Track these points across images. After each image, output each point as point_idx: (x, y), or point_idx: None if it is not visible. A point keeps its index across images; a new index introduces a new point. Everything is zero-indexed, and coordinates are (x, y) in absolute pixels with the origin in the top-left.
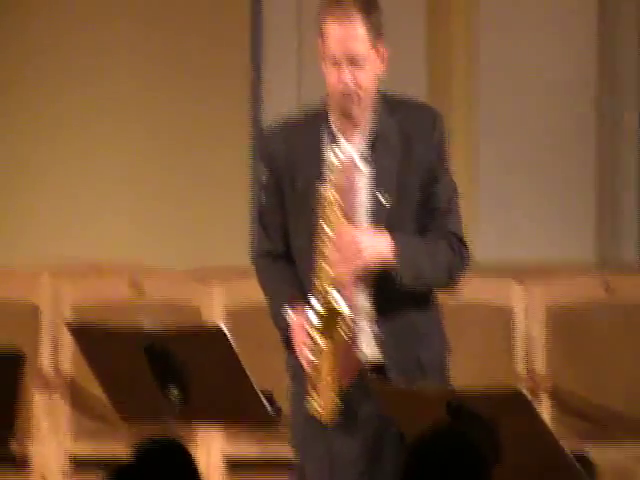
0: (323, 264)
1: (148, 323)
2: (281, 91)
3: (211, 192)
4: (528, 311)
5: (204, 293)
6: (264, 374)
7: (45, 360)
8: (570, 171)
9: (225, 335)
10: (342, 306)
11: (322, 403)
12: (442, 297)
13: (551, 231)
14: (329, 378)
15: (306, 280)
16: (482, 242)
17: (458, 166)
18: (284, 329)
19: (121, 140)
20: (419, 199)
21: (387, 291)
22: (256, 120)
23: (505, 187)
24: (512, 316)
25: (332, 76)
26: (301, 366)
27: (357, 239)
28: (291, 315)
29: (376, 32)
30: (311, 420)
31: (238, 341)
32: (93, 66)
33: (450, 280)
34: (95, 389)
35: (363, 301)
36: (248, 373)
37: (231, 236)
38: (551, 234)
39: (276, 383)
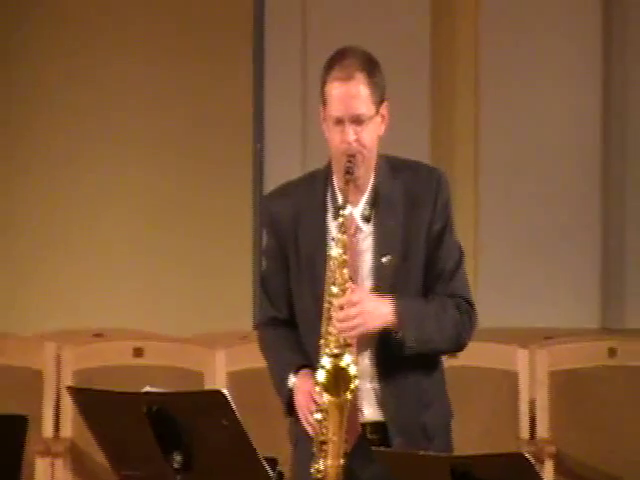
0: (329, 326)
1: (150, 387)
2: (284, 158)
3: (213, 260)
4: (532, 375)
5: (207, 358)
6: (266, 439)
7: (47, 425)
8: (575, 236)
9: (227, 400)
10: (350, 366)
11: (328, 464)
12: (447, 360)
13: (556, 297)
14: (335, 438)
15: (309, 343)
16: (486, 308)
17: (461, 231)
18: (286, 396)
19: (125, 209)
20: (424, 261)
21: (391, 353)
22: (258, 187)
23: (509, 253)
24: (516, 380)
25: (335, 137)
26: (304, 433)
27: (363, 305)
28: (293, 381)
29: (378, 93)
30: None
31: (240, 406)
32: (99, 138)
33: (458, 343)
34: (96, 454)
35: (366, 362)
36: (250, 438)
37: (233, 303)
38: (556, 300)
39: (278, 448)
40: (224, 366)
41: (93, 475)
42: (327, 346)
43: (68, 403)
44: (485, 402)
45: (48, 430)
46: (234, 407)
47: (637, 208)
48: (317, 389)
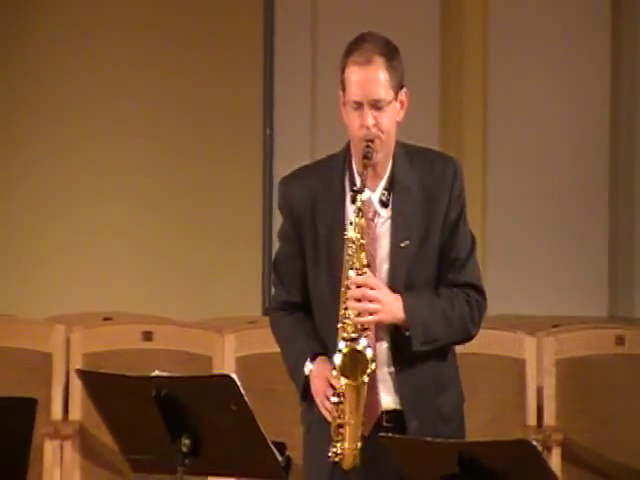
0: (346, 310)
1: (159, 371)
2: (294, 147)
3: (223, 244)
4: (540, 363)
5: (215, 343)
6: (275, 424)
7: (56, 408)
8: (583, 224)
9: (236, 385)
10: (366, 349)
11: (345, 447)
12: (455, 348)
13: (564, 285)
14: (352, 421)
15: (324, 328)
16: (494, 296)
17: (469, 219)
18: (302, 382)
19: (135, 194)
20: (439, 247)
21: (407, 345)
22: (268, 173)
23: (517, 241)
24: (524, 368)
25: (354, 121)
26: (319, 418)
27: (380, 293)
28: (310, 368)
29: (397, 78)
30: (324, 472)
31: (249, 391)
32: (107, 131)
33: (466, 335)
34: (105, 437)
35: (383, 349)
36: (259, 423)
37: (242, 287)
38: (564, 288)
39: (287, 433)
40: (233, 351)
41: (102, 458)
42: (344, 330)
43: (77, 386)
44: (493, 389)
45: (57, 413)
46: (243, 392)
47: None
48: (334, 373)
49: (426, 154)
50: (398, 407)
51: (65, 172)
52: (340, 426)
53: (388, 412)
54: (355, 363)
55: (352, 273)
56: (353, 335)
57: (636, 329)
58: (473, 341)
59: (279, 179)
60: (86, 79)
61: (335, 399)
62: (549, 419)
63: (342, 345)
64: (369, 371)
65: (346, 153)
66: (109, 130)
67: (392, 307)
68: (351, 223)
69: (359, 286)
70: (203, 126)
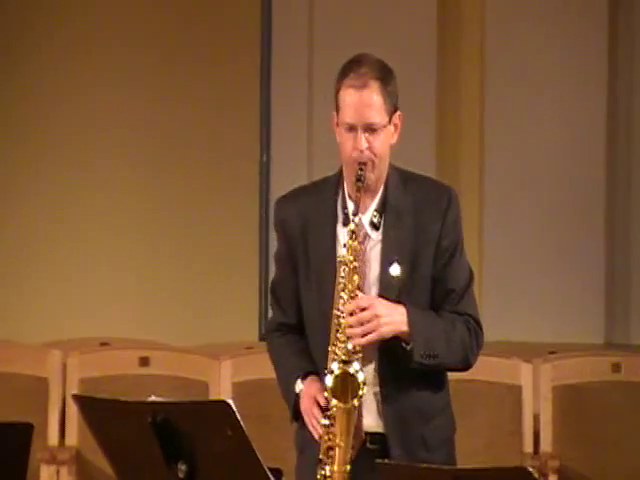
0: (338, 332)
1: (155, 397)
2: (290, 173)
3: (220, 270)
4: (536, 390)
5: (212, 368)
6: (271, 450)
7: (52, 433)
8: (579, 250)
9: (233, 410)
10: (358, 373)
11: (334, 469)
12: (451, 374)
13: (560, 312)
14: (342, 444)
15: (316, 349)
16: (490, 322)
17: (465, 244)
18: (293, 401)
19: (130, 220)
20: (433, 277)
21: (395, 362)
22: (265, 199)
23: (513, 267)
24: (520, 394)
25: (347, 144)
26: (310, 438)
27: (375, 308)
28: (301, 387)
29: (392, 102)
30: None
31: (245, 417)
32: (103, 157)
33: (464, 364)
34: (101, 463)
35: (370, 372)
36: (255, 448)
37: (239, 313)
38: (560, 315)
39: (283, 459)
40: (229, 376)
41: None
42: (336, 353)
43: (74, 411)
44: (489, 416)
45: (53, 438)
46: (239, 417)
47: None
48: (325, 394)
49: (420, 180)
50: (381, 430)
51: (61, 197)
52: (330, 448)
53: (372, 434)
54: (346, 386)
55: (344, 295)
56: (344, 358)
57: (633, 356)
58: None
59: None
60: (82, 101)
61: (326, 421)
62: (545, 446)
63: (334, 366)
64: (360, 394)
65: (339, 175)
66: (105, 155)
67: (393, 317)
68: (344, 245)
69: (351, 313)
70: (199, 151)
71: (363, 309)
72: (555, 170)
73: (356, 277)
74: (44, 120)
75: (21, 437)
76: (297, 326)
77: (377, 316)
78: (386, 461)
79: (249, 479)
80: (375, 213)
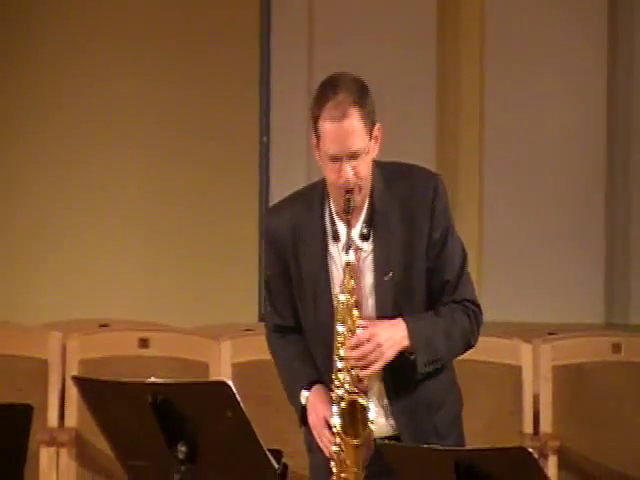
0: (341, 364)
1: (155, 378)
2: (290, 155)
3: (219, 251)
4: (536, 370)
5: (212, 349)
6: (271, 431)
7: (52, 415)
8: (579, 232)
9: (232, 391)
10: (367, 409)
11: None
12: None
13: (560, 292)
14: (354, 469)
15: (315, 352)
16: (490, 302)
17: (466, 229)
18: (300, 410)
19: (131, 201)
20: (428, 268)
21: (401, 370)
22: (264, 180)
23: (513, 248)
24: (520, 375)
25: (331, 172)
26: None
27: (376, 338)
28: (306, 396)
29: (371, 120)
30: None
31: (245, 398)
32: (104, 142)
33: (467, 347)
34: (101, 444)
35: (375, 385)
36: (255, 429)
37: (239, 294)
38: (560, 295)
39: (283, 440)
40: (229, 357)
41: (98, 465)
42: (341, 385)
43: (73, 393)
44: (489, 396)
45: (53, 420)
46: (239, 398)
47: None
48: (334, 429)
49: (405, 173)
50: (392, 433)
51: (64, 183)
52: (342, 471)
53: (384, 438)
54: (355, 416)
55: (342, 328)
56: (348, 387)
57: (633, 336)
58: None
59: (275, 186)
60: (84, 92)
61: (336, 448)
62: (545, 426)
63: (340, 403)
64: (368, 430)
65: (323, 190)
66: (106, 141)
67: (395, 340)
68: (340, 286)
69: (353, 348)
70: (199, 136)
71: (364, 342)
72: (556, 151)
73: (355, 311)
74: (47, 111)
75: (21, 419)
76: (295, 328)
77: (379, 345)
78: (388, 442)
79: (249, 460)
80: (364, 224)
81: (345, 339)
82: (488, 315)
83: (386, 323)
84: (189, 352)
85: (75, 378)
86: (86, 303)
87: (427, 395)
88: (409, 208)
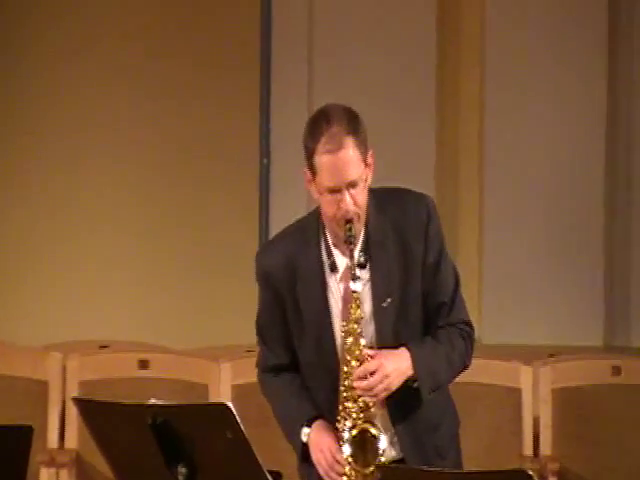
0: (347, 393)
1: (155, 400)
2: (290, 177)
3: (219, 272)
4: (536, 393)
5: (211, 371)
6: (271, 453)
7: (52, 436)
8: (579, 253)
9: (233, 413)
10: (379, 438)
11: None
12: None
13: (560, 315)
14: None
15: (314, 387)
16: (490, 325)
17: (465, 248)
18: (300, 447)
19: (130, 223)
20: (422, 292)
21: (403, 396)
22: (265, 202)
23: (513, 270)
24: (520, 397)
25: (330, 205)
26: (317, 476)
27: (383, 369)
28: (307, 432)
29: (364, 148)
30: None
31: (245, 419)
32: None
33: (463, 368)
34: (101, 465)
35: (379, 408)
36: (255, 451)
37: (239, 316)
38: (560, 317)
39: (283, 462)
40: (229, 379)
41: None
42: (348, 415)
43: (73, 414)
44: (489, 419)
45: (53, 441)
46: (239, 420)
47: None
48: (344, 461)
49: (396, 197)
50: (396, 456)
51: (61, 199)
52: None
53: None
54: (364, 445)
55: (349, 357)
56: (355, 416)
57: (632, 359)
58: (469, 370)
59: (275, 207)
60: (80, 99)
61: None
62: (545, 449)
63: (350, 432)
64: (380, 460)
65: (318, 222)
66: (105, 157)
67: (400, 370)
68: (348, 318)
69: (360, 378)
70: (199, 155)
71: (372, 372)
72: (554, 172)
73: (363, 341)
74: (40, 119)
75: (21, 440)
76: (290, 366)
77: (387, 377)
78: (386, 464)
79: None
80: (360, 253)
81: (352, 369)
82: (488, 337)
83: (392, 353)
84: (189, 374)
85: (76, 399)
86: (86, 324)
87: (427, 415)
88: (403, 233)
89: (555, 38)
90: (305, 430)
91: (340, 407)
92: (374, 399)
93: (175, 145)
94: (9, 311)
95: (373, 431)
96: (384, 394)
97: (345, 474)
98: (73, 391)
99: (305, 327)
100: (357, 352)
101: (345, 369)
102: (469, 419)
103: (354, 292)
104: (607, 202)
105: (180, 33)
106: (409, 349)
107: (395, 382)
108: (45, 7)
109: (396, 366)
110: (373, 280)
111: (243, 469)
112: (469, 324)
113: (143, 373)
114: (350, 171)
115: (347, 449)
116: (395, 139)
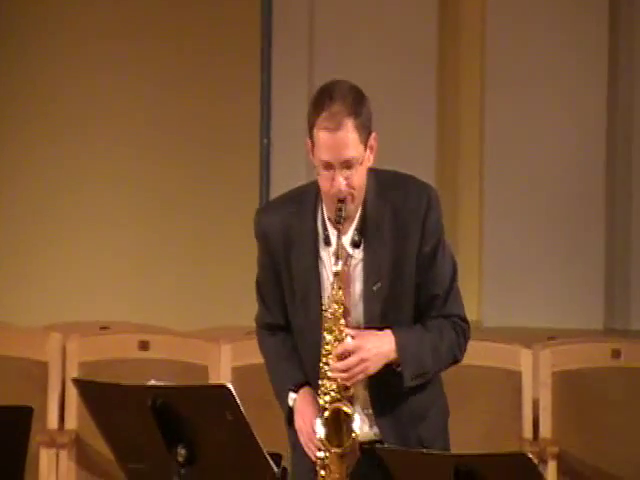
0: (326, 374)
1: (155, 381)
2: (291, 156)
3: (219, 254)
4: (535, 376)
5: (212, 352)
6: (271, 435)
7: (52, 417)
8: (579, 236)
9: (233, 395)
10: (352, 418)
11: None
12: None
13: (560, 298)
14: (337, 476)
15: (303, 352)
16: (490, 308)
17: (466, 232)
18: (287, 411)
19: (131, 205)
20: (415, 283)
21: (387, 381)
22: (265, 182)
23: (513, 254)
24: (520, 380)
25: (325, 180)
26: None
27: (361, 351)
28: (294, 398)
29: (366, 130)
30: None
31: (245, 401)
32: (104, 143)
33: (453, 361)
34: (101, 446)
35: (361, 393)
36: (255, 433)
37: (239, 297)
38: (560, 300)
39: (283, 444)
40: (229, 360)
41: (97, 467)
42: (327, 392)
43: (73, 395)
44: (488, 402)
45: (53, 422)
46: (239, 402)
47: None
48: (318, 439)
49: (400, 183)
50: (376, 437)
51: (63, 184)
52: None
53: (369, 442)
54: (339, 424)
55: (329, 337)
56: (334, 394)
57: (632, 342)
58: (469, 352)
59: (276, 188)
60: (85, 91)
61: (321, 454)
62: (545, 432)
63: (324, 401)
64: (351, 441)
65: (317, 195)
66: (106, 142)
67: (381, 352)
68: (329, 297)
69: (339, 357)
70: (200, 136)
71: (350, 352)
72: (556, 159)
73: (342, 321)
74: (43, 109)
75: (21, 420)
76: (285, 326)
77: (363, 360)
78: (387, 446)
79: (249, 463)
80: (355, 232)
81: (332, 347)
82: (488, 320)
83: (375, 334)
84: (189, 355)
85: (75, 380)
86: (86, 305)
87: (411, 406)
88: (401, 219)
89: (555, 38)
90: (292, 395)
91: (320, 382)
92: (349, 382)
93: (175, 126)
94: (9, 292)
95: (346, 410)
96: (360, 376)
97: (322, 449)
98: (73, 372)
99: (295, 294)
100: (337, 332)
101: (326, 347)
102: (469, 402)
103: (336, 273)
104: (608, 186)
105: (179, 19)
106: (394, 332)
107: (373, 365)
108: (41, 5)
109: (377, 347)
110: (365, 261)
111: (243, 451)
112: (464, 320)
113: (143, 354)
114: (346, 151)
115: (320, 430)
116: (395, 138)
